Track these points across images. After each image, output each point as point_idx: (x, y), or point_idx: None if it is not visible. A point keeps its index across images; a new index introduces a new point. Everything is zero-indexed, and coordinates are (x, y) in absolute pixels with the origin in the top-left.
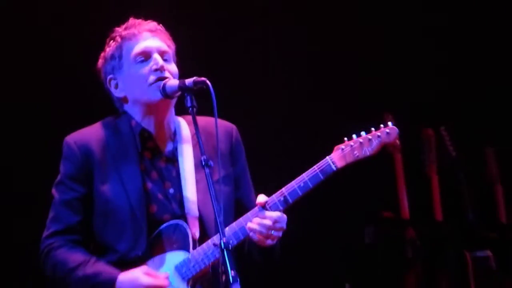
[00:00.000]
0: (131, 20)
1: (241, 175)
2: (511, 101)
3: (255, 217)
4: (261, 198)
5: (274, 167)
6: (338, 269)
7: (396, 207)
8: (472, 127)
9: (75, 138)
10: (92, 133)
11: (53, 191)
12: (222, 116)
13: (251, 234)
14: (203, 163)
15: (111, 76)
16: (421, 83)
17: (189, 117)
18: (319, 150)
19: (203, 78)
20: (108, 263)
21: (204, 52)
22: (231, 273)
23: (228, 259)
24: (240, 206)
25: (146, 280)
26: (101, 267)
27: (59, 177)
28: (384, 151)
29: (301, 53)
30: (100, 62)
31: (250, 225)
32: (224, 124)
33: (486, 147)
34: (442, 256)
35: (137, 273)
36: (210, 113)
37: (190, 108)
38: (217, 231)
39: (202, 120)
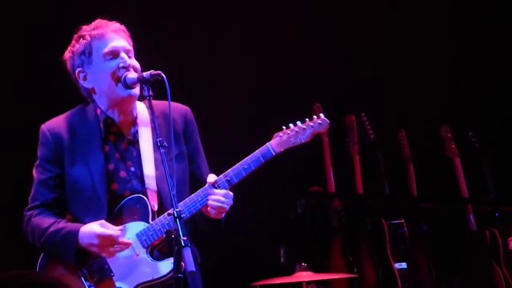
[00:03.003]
0: (98, 21)
1: (195, 151)
2: (419, 89)
3: (210, 194)
4: (211, 178)
5: (224, 151)
6: (275, 236)
7: (323, 183)
8: (387, 112)
9: (48, 126)
10: (62, 121)
11: (33, 172)
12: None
13: (209, 208)
14: (158, 144)
15: (79, 69)
16: (345, 75)
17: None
18: (261, 136)
19: (158, 71)
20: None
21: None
22: (183, 239)
23: (180, 227)
24: (194, 178)
25: (101, 229)
26: (68, 223)
27: (37, 160)
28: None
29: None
30: (68, 55)
31: (210, 201)
32: (179, 107)
33: (400, 129)
34: (363, 224)
35: (94, 225)
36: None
37: (148, 97)
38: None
39: (160, 103)
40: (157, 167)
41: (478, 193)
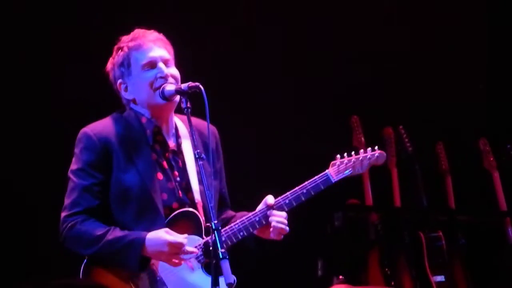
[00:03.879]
0: (136, 31)
1: (222, 170)
2: (457, 101)
3: (271, 216)
4: (271, 199)
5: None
6: (312, 249)
7: (361, 195)
8: (425, 125)
9: (93, 130)
10: (107, 126)
11: (72, 176)
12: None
13: (271, 229)
14: (196, 156)
15: (120, 80)
16: (383, 87)
17: (183, 117)
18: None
19: (196, 83)
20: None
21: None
22: (221, 251)
23: (218, 239)
24: (220, 196)
25: (169, 237)
26: (129, 231)
27: (78, 165)
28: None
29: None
30: (109, 66)
31: (275, 223)
32: (210, 126)
33: (438, 142)
34: (400, 237)
35: (161, 233)
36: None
37: (185, 109)
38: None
39: (193, 120)
40: (199, 181)
41: None
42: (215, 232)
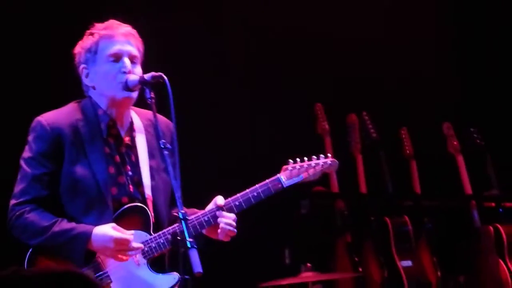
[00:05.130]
0: (110, 21)
1: (175, 166)
2: (420, 86)
3: (220, 216)
4: (220, 200)
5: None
6: (279, 237)
7: (327, 183)
8: (389, 111)
9: (47, 119)
10: (62, 116)
11: (23, 164)
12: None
13: (219, 231)
14: (162, 146)
15: (84, 65)
16: (345, 73)
17: (140, 110)
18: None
19: (160, 73)
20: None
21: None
22: (189, 240)
23: (186, 228)
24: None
25: (115, 233)
26: (76, 224)
27: (30, 153)
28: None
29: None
30: (77, 49)
31: (223, 225)
32: (164, 119)
33: (401, 127)
34: (367, 224)
35: (107, 228)
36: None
37: (149, 99)
38: (167, 216)
39: (147, 112)
40: (152, 177)
41: (482, 189)
42: (183, 221)
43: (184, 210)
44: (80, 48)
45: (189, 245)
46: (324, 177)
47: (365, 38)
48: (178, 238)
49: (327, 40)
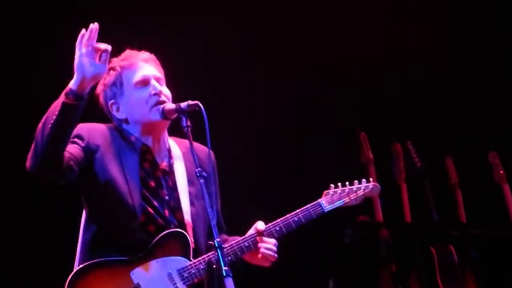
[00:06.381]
0: (128, 51)
1: (216, 194)
2: (464, 115)
3: (261, 242)
4: (261, 225)
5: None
6: (323, 268)
7: (371, 212)
8: (433, 140)
9: (86, 124)
10: (100, 128)
11: None
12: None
13: (260, 256)
14: (198, 174)
15: (112, 101)
16: (389, 102)
17: (178, 139)
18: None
19: (196, 102)
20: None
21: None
22: (225, 269)
23: (221, 257)
24: None
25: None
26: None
27: None
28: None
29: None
30: (100, 88)
31: (264, 250)
32: (204, 148)
33: (447, 156)
34: (412, 253)
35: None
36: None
37: (185, 128)
38: (205, 242)
39: (186, 142)
40: (191, 202)
41: None
42: (218, 250)
43: (219, 238)
44: (103, 86)
45: (224, 273)
46: (368, 206)
47: (408, 68)
48: (214, 266)
49: (371, 68)
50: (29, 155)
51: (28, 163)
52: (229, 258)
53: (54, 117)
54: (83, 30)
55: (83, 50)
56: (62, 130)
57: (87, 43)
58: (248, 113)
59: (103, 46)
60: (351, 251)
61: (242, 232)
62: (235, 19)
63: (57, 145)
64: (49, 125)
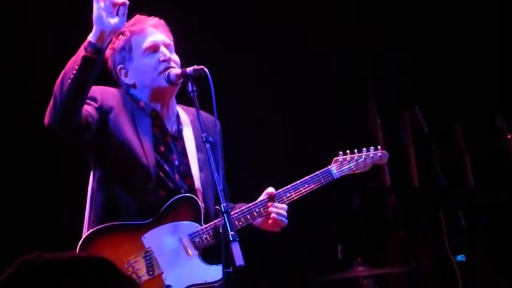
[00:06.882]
0: (137, 16)
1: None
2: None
3: (272, 207)
4: (271, 190)
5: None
6: (331, 233)
7: (378, 177)
8: (441, 105)
9: (99, 87)
10: (112, 91)
11: None
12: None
13: (270, 221)
14: (204, 139)
15: (121, 65)
16: (397, 69)
17: (186, 107)
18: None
19: (201, 66)
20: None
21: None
22: (231, 233)
23: (228, 222)
24: None
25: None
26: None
27: None
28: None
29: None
30: (108, 52)
31: (274, 215)
32: (210, 116)
33: (453, 122)
34: (419, 218)
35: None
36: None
37: (191, 92)
38: (215, 205)
39: (193, 110)
40: (200, 168)
41: None
42: (225, 214)
43: (226, 203)
44: (111, 50)
45: (231, 238)
46: (376, 173)
47: (414, 33)
48: (220, 231)
49: (378, 38)
50: (48, 111)
51: (46, 119)
52: (240, 223)
53: (74, 71)
54: None
55: (101, 4)
56: (82, 84)
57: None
58: (255, 84)
59: (121, 0)
60: (359, 217)
61: (248, 198)
62: None
63: (77, 100)
64: (69, 80)
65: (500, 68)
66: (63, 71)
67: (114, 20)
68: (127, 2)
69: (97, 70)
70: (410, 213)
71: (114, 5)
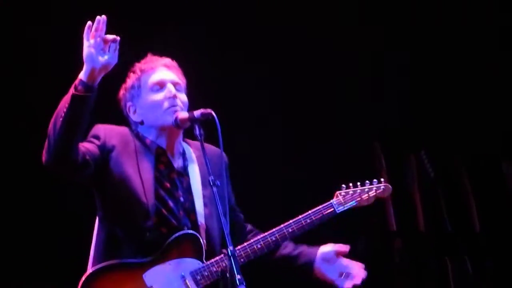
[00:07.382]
0: (149, 56)
1: (230, 195)
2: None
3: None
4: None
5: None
6: None
7: (384, 221)
8: (447, 150)
9: (103, 125)
10: (117, 129)
11: None
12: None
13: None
14: (211, 182)
15: (130, 103)
16: (402, 112)
17: (192, 142)
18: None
19: (209, 110)
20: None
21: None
22: (238, 277)
23: (234, 265)
24: None
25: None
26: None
27: None
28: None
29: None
30: (121, 92)
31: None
32: (216, 149)
33: (460, 167)
34: (425, 262)
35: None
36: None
37: (199, 136)
38: (220, 244)
39: (199, 145)
40: (205, 204)
41: None
42: (232, 258)
43: (232, 247)
44: (123, 90)
45: (238, 283)
46: (382, 216)
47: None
48: (228, 275)
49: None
50: (44, 150)
51: (43, 158)
52: (242, 260)
53: (65, 109)
54: (90, 22)
55: (91, 41)
56: (74, 123)
57: (94, 34)
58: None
59: (111, 36)
60: (364, 258)
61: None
62: None
63: (70, 137)
64: (60, 118)
65: (506, 113)
66: (56, 110)
67: (105, 57)
68: (118, 38)
69: (89, 107)
70: (416, 257)
71: (105, 41)
